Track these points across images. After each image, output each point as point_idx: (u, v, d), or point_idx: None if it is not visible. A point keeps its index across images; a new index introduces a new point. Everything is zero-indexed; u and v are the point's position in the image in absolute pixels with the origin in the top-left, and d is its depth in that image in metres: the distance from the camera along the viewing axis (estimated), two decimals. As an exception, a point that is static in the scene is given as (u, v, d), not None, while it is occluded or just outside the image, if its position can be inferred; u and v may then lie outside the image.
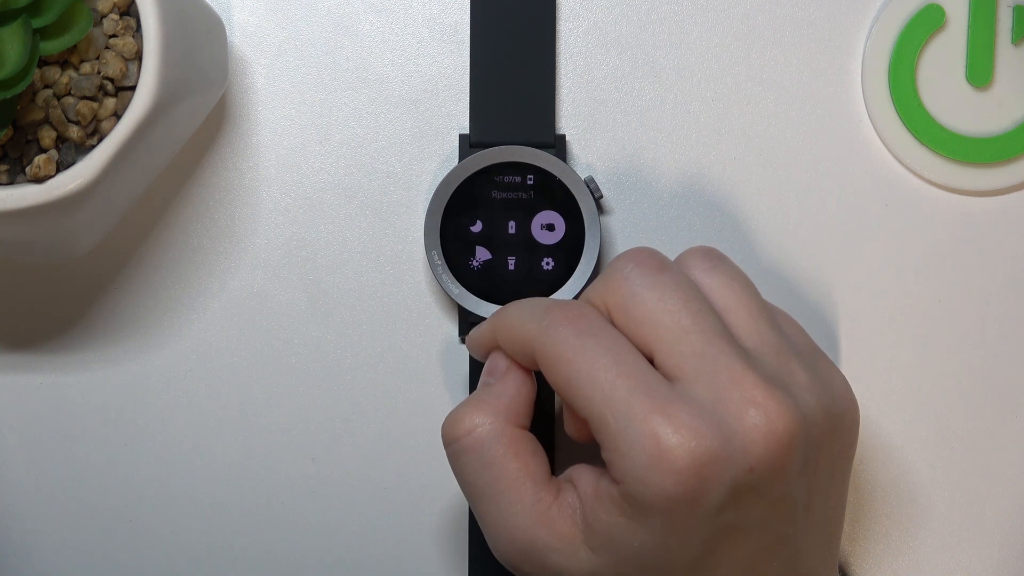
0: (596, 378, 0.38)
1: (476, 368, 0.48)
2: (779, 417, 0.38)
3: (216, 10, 0.48)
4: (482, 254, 0.48)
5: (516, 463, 0.41)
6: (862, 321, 0.49)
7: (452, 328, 0.49)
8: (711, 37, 0.49)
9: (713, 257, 0.42)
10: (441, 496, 0.49)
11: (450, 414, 0.42)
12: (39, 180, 0.41)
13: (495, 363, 0.43)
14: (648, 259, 0.41)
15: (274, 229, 0.49)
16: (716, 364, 0.38)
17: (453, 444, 0.42)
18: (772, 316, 0.41)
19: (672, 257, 0.42)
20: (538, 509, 0.40)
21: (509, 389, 0.42)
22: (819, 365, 0.41)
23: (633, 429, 0.37)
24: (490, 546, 0.42)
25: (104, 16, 0.42)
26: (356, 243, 0.49)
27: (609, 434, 0.38)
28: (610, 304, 0.40)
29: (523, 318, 0.41)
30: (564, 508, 0.40)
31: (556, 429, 0.48)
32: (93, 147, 0.42)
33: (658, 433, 0.37)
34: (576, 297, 0.47)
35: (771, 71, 0.49)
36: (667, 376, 0.39)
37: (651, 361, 0.39)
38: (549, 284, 0.47)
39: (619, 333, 0.40)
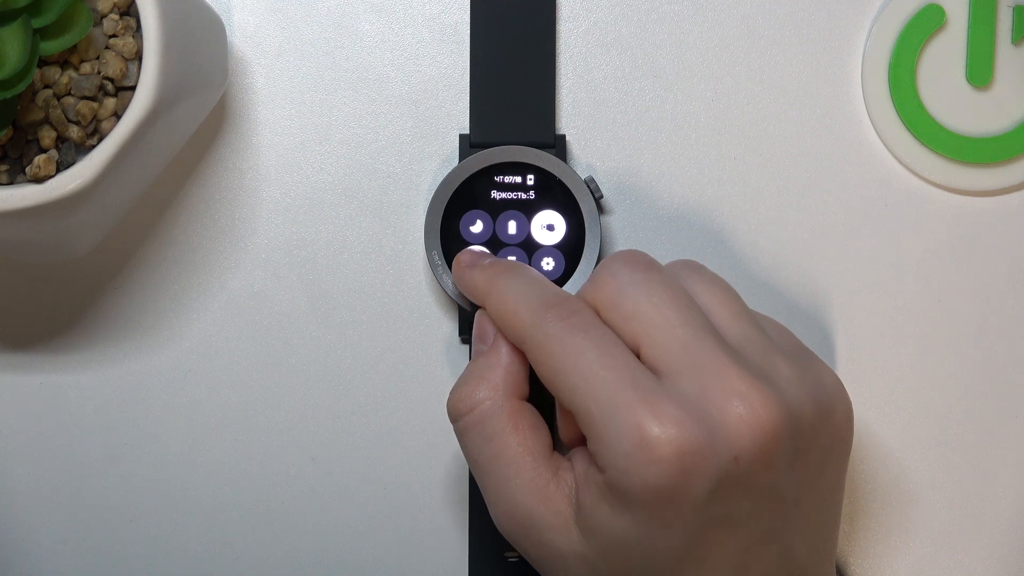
0: (582, 371, 0.39)
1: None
2: (763, 408, 0.38)
3: (216, 10, 0.48)
4: (482, 254, 0.48)
5: (516, 437, 0.41)
6: (861, 321, 0.49)
7: (452, 328, 0.49)
8: (711, 37, 0.49)
9: (694, 266, 0.42)
10: (441, 495, 0.49)
11: (453, 390, 0.42)
12: (39, 180, 0.41)
13: (484, 327, 0.43)
14: (636, 258, 0.41)
15: (274, 229, 0.49)
16: (701, 357, 0.39)
17: (459, 421, 0.42)
18: (755, 318, 0.42)
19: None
20: (536, 484, 0.40)
21: (504, 358, 0.42)
22: (806, 362, 0.41)
23: (617, 419, 0.38)
24: (493, 520, 0.42)
25: (104, 16, 0.42)
26: (356, 243, 0.49)
27: (593, 425, 0.38)
28: (598, 301, 0.41)
29: (517, 306, 0.41)
30: (561, 486, 0.40)
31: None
32: (93, 147, 0.42)
33: (641, 424, 0.37)
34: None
35: (771, 71, 0.49)
36: (653, 370, 0.39)
37: (637, 355, 0.40)
38: (549, 284, 0.47)
39: (608, 329, 0.40)
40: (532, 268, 0.44)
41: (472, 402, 0.42)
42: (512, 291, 0.42)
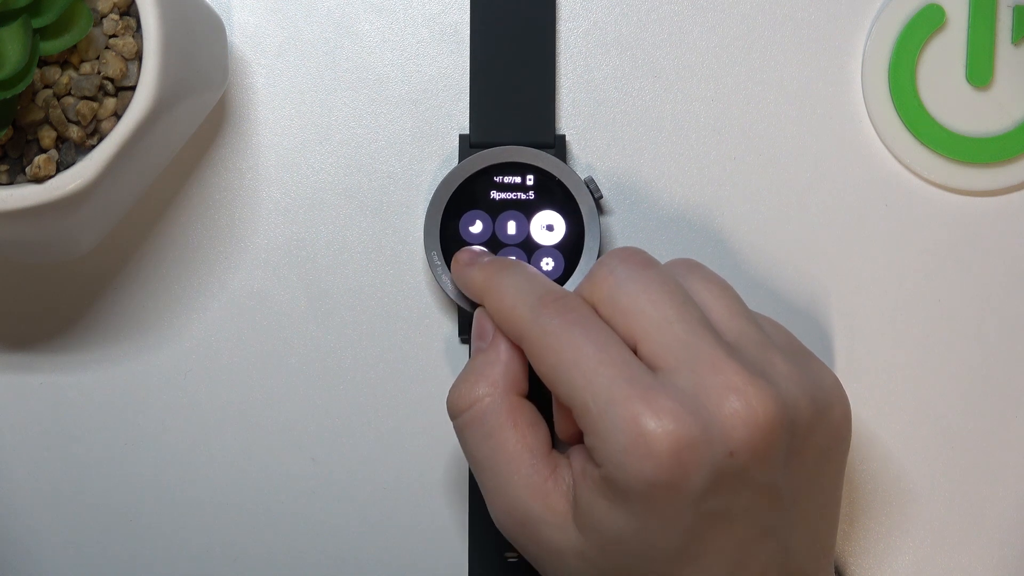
0: (579, 365, 0.39)
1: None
2: (759, 403, 0.38)
3: (216, 10, 0.48)
4: (482, 254, 0.48)
5: (515, 434, 0.41)
6: (862, 321, 0.49)
7: (452, 328, 0.49)
8: (711, 37, 0.49)
9: (691, 264, 0.43)
10: (441, 495, 0.49)
11: (453, 387, 0.42)
12: (39, 180, 0.41)
13: (483, 325, 0.43)
14: (633, 255, 0.42)
15: (274, 229, 0.49)
16: (698, 353, 0.39)
17: (458, 418, 0.42)
18: (753, 316, 0.42)
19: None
20: (534, 481, 0.40)
21: (503, 355, 0.42)
22: (804, 360, 0.41)
23: (613, 413, 0.38)
24: (491, 516, 0.42)
25: (104, 16, 0.42)
26: (356, 243, 0.49)
27: (590, 419, 0.39)
28: (596, 298, 0.41)
29: (515, 302, 0.41)
30: (559, 483, 0.40)
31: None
32: (93, 147, 0.42)
33: (637, 417, 0.38)
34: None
35: (771, 71, 0.49)
36: (650, 365, 0.39)
37: (635, 351, 0.40)
38: (549, 284, 0.47)
39: (606, 325, 0.40)
40: (530, 265, 0.44)
41: (472, 398, 0.42)
42: (510, 287, 0.42)
